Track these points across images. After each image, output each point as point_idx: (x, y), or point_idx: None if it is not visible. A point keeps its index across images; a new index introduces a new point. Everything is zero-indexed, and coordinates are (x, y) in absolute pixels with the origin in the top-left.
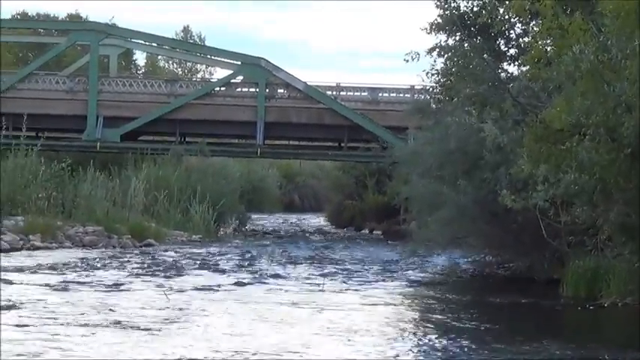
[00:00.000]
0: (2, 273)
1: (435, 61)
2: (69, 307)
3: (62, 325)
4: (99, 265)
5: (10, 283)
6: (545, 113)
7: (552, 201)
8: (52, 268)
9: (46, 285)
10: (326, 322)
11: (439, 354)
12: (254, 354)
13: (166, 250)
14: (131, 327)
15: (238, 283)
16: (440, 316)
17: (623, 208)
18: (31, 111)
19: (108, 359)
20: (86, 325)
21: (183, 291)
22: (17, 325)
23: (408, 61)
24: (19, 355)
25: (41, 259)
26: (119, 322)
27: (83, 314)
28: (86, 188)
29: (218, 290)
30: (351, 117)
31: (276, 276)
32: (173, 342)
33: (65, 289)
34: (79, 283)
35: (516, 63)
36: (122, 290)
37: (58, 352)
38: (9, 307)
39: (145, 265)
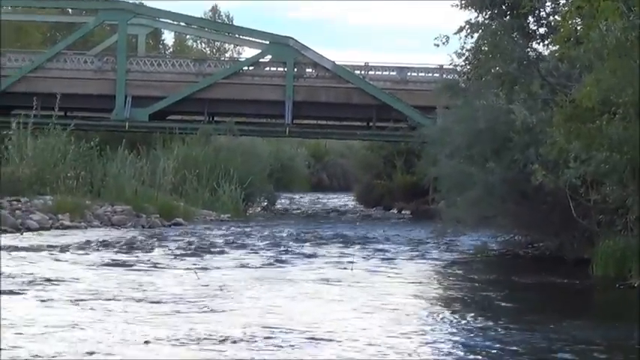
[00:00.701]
0: (34, 252)
1: (464, 42)
2: (101, 285)
3: (97, 301)
4: (128, 244)
5: (41, 261)
6: (575, 92)
7: (583, 179)
8: (82, 247)
9: (77, 263)
10: (356, 301)
11: (467, 333)
12: (287, 331)
13: (195, 229)
14: (164, 304)
15: (268, 262)
16: (468, 295)
17: None
18: (59, 91)
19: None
20: (120, 301)
21: (212, 269)
22: (50, 300)
23: (438, 45)
24: (59, 327)
25: (70, 238)
26: (152, 299)
27: (116, 291)
28: (115, 167)
29: (248, 269)
30: (379, 96)
31: (306, 255)
32: (206, 318)
33: (96, 268)
34: (109, 261)
35: (546, 42)
36: (153, 268)
37: (97, 326)
38: (42, 284)
39: (174, 244)
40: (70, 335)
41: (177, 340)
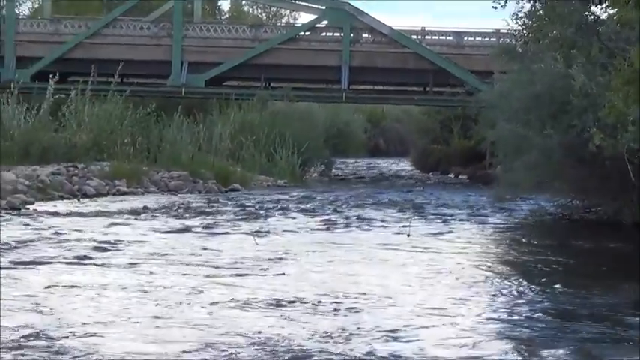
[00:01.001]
0: (92, 218)
1: (522, 6)
2: (161, 249)
3: (159, 265)
4: (186, 210)
5: (101, 226)
6: (634, 55)
7: None
8: (140, 212)
9: (136, 229)
10: (414, 265)
11: (525, 297)
12: (348, 295)
13: (252, 195)
14: (225, 268)
15: (325, 227)
16: (525, 260)
17: None
18: (116, 56)
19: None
20: (181, 265)
21: (271, 234)
22: (112, 265)
23: (496, 8)
24: (127, 288)
25: (128, 203)
26: (212, 264)
27: (177, 256)
28: (171, 133)
29: (305, 233)
30: (436, 61)
31: (363, 219)
32: (267, 282)
33: (155, 233)
34: (168, 227)
35: (604, 5)
36: (211, 233)
37: (160, 289)
38: (103, 249)
39: (232, 210)
40: (134, 297)
41: (241, 302)
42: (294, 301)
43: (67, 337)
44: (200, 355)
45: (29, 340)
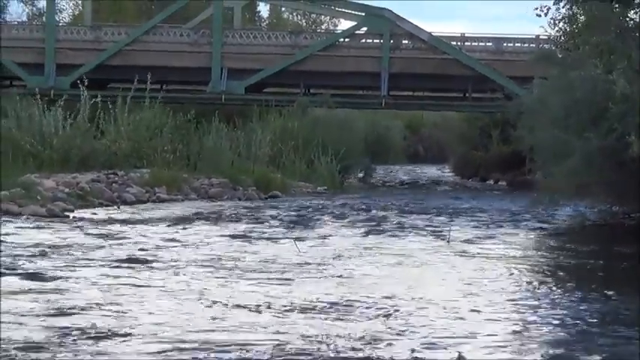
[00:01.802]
0: (129, 225)
1: (559, 12)
2: (205, 255)
3: (206, 269)
4: (226, 216)
5: (141, 233)
6: None
7: None
8: (180, 219)
9: (178, 235)
10: (454, 273)
11: (567, 304)
12: (389, 300)
13: (292, 201)
14: (267, 273)
15: (366, 233)
16: (566, 266)
17: None
18: (156, 63)
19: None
20: (226, 270)
21: (311, 240)
22: (156, 269)
23: (540, 15)
24: (166, 291)
25: (168, 211)
26: (255, 270)
27: (221, 261)
28: (211, 140)
29: (346, 239)
30: (475, 67)
31: (404, 225)
32: (310, 288)
33: (198, 239)
34: (210, 233)
35: None
36: (253, 240)
37: (206, 292)
38: (147, 257)
39: (272, 216)
40: (183, 301)
41: (283, 306)
42: (346, 305)
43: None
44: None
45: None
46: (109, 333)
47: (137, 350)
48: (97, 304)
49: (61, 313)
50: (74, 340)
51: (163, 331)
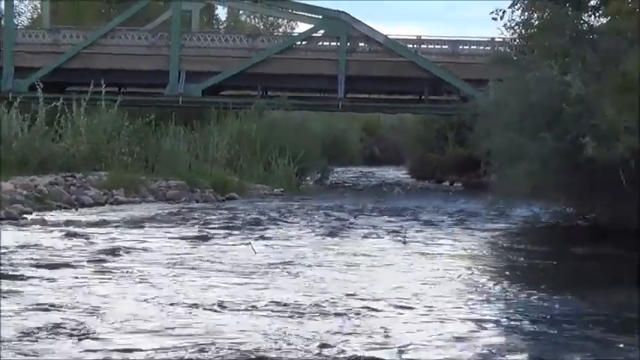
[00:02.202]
0: (88, 227)
1: (514, 15)
2: (160, 257)
3: (161, 271)
4: (183, 218)
5: (98, 236)
6: (626, 64)
7: (634, 151)
8: (138, 221)
9: (135, 237)
10: (410, 272)
11: (518, 302)
12: (347, 300)
13: (249, 203)
14: (223, 274)
15: (321, 234)
16: (519, 266)
17: None
18: (114, 66)
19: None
20: (181, 271)
21: (267, 241)
22: (110, 272)
23: (495, 19)
24: (121, 293)
25: (126, 213)
26: (211, 270)
27: (175, 262)
28: (168, 143)
29: (301, 241)
30: (431, 70)
31: (360, 226)
32: (264, 289)
33: (153, 241)
34: (166, 235)
35: (597, 14)
36: (210, 242)
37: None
38: (100, 258)
39: (229, 218)
40: (139, 302)
41: (240, 306)
42: (299, 305)
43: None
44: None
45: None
46: (60, 333)
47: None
48: (52, 304)
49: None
50: (30, 339)
51: (117, 331)
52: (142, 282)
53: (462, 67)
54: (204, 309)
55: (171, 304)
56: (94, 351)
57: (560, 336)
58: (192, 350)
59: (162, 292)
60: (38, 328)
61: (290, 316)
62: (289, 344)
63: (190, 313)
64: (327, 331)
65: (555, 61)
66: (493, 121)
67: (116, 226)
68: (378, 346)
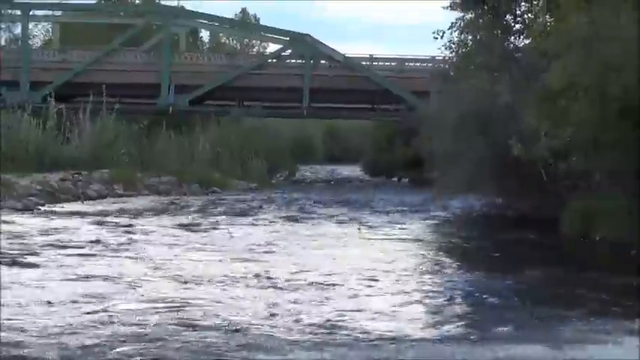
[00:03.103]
0: (94, 216)
1: (454, 35)
2: (153, 240)
3: (160, 247)
4: (174, 208)
5: (103, 224)
6: (546, 77)
7: (553, 151)
8: (136, 210)
9: (135, 226)
10: (363, 253)
11: (454, 282)
12: (307, 281)
13: (229, 196)
14: (205, 252)
15: (288, 222)
16: (454, 249)
17: (611, 157)
18: (114, 81)
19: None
20: (174, 250)
21: (243, 227)
22: (103, 256)
23: (437, 38)
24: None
25: (126, 204)
26: (198, 249)
27: (163, 244)
28: (161, 145)
29: (271, 227)
30: (382, 83)
31: (320, 216)
32: (233, 265)
33: (151, 227)
34: (160, 223)
35: (521, 36)
36: (196, 227)
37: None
38: (112, 244)
39: (211, 209)
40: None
41: (227, 278)
42: (252, 279)
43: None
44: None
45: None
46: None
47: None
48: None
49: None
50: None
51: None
52: (135, 258)
53: (408, 80)
54: (179, 282)
55: (160, 277)
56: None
57: (486, 306)
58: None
59: (150, 265)
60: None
61: (259, 287)
62: (253, 311)
63: (167, 285)
64: (273, 307)
65: (486, 76)
66: (434, 126)
67: (115, 216)
68: (325, 323)
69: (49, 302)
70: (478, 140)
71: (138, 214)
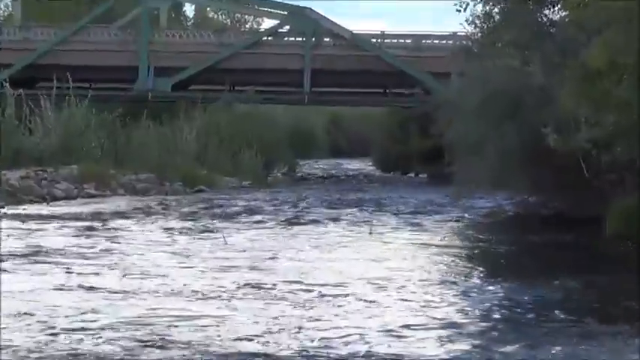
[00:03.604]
0: (60, 220)
1: (478, 8)
2: (133, 248)
3: (140, 256)
4: (154, 211)
5: (67, 230)
6: (585, 55)
7: (594, 140)
8: (108, 214)
9: (108, 230)
10: (375, 260)
11: (480, 291)
12: (318, 288)
13: (218, 196)
14: (195, 261)
15: (289, 226)
16: (482, 255)
17: None
18: (84, 63)
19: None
20: (158, 261)
21: (238, 232)
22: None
23: (460, 11)
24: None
25: (97, 206)
26: (185, 259)
27: (141, 253)
28: (138, 137)
29: (272, 232)
30: (395, 63)
31: (327, 218)
32: (233, 276)
33: (127, 233)
34: (138, 228)
35: (556, 8)
36: (181, 233)
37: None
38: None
39: (198, 211)
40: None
41: (224, 292)
42: (260, 292)
43: None
44: None
45: None
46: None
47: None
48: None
49: None
50: None
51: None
52: (110, 268)
53: (425, 60)
54: (185, 297)
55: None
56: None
57: (516, 322)
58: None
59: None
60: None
61: (248, 304)
62: (238, 330)
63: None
64: (283, 321)
65: (516, 53)
66: (456, 112)
67: (87, 219)
68: (336, 339)
69: None
70: (507, 129)
71: (112, 217)
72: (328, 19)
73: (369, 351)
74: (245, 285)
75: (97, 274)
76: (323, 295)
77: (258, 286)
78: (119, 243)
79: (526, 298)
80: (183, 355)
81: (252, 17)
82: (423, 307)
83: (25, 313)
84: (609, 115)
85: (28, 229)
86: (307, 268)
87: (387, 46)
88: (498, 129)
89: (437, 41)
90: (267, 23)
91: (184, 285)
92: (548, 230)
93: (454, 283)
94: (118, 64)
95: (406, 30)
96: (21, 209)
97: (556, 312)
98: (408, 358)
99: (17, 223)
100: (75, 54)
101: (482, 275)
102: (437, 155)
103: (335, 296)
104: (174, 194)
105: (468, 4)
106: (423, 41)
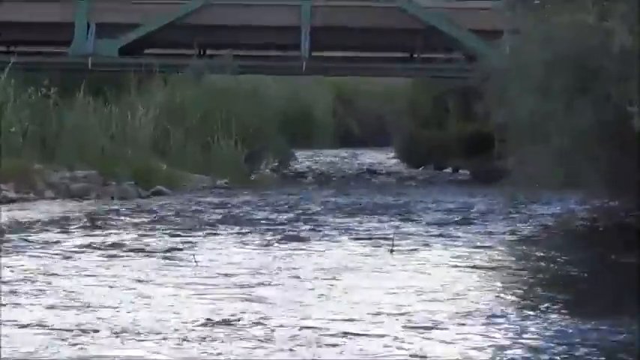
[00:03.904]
0: None
1: None
2: (70, 274)
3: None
4: (92, 223)
5: None
6: None
7: None
8: (32, 224)
9: (28, 249)
10: (396, 288)
11: (542, 331)
12: (318, 326)
13: (183, 200)
14: (150, 287)
15: (285, 241)
16: (544, 283)
17: None
18: (2, 19)
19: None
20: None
21: (209, 252)
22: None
23: None
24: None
25: (15, 213)
26: (136, 285)
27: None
28: (74, 119)
29: (261, 250)
30: (425, 18)
31: (333, 231)
32: (214, 308)
33: (52, 250)
34: (73, 246)
35: None
36: (129, 253)
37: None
38: None
39: (156, 221)
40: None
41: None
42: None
43: None
44: None
45: None
46: None
47: None
48: None
49: None
50: None
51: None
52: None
53: (467, 14)
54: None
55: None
56: None
57: None
58: None
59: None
60: None
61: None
62: None
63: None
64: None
65: (592, 4)
66: (509, 84)
67: (2, 231)
68: None
69: None
70: (579, 107)
71: (36, 230)
72: None
73: None
74: (219, 322)
75: (16, 305)
76: (326, 334)
77: (235, 324)
78: (45, 265)
79: (613, 341)
80: None
81: None
82: (463, 347)
83: None
84: None
85: None
86: (304, 298)
87: None
88: (567, 108)
89: None
90: None
91: (133, 322)
92: (634, 246)
93: (499, 317)
94: (47, 21)
95: None
96: None
97: None
98: None
99: None
100: None
101: (542, 307)
102: (483, 144)
103: (342, 335)
104: (123, 197)
105: None
106: None
